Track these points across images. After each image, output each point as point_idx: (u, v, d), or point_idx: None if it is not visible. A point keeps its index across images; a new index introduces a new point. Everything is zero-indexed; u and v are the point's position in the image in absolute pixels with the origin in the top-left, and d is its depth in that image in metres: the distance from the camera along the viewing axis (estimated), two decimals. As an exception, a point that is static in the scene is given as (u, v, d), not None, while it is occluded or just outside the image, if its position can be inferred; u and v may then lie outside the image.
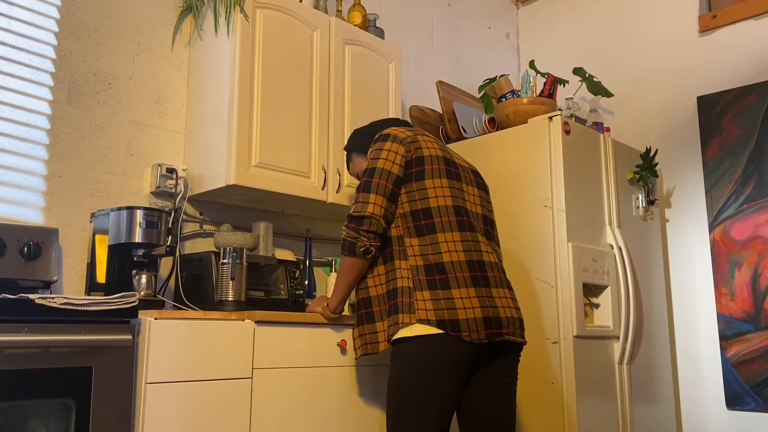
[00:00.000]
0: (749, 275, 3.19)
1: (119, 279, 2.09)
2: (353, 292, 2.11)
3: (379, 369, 2.27)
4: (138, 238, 2.09)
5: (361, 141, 2.21)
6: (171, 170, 2.44)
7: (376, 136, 2.07)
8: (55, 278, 2.04)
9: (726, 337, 3.21)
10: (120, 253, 2.12)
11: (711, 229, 3.32)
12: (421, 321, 1.84)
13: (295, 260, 2.57)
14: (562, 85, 3.32)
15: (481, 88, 3.52)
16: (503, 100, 3.08)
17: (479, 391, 1.96)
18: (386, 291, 1.97)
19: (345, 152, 2.44)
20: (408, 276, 1.92)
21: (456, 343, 1.83)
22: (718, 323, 3.24)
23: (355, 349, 2.02)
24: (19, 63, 2.18)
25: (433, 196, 1.95)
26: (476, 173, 2.17)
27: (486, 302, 1.88)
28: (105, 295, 1.75)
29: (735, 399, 3.16)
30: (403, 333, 1.87)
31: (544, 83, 3.10)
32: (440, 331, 1.83)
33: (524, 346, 2.09)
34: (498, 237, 2.16)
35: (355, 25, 2.86)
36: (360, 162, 2.25)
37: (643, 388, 2.93)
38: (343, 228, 1.97)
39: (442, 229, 1.93)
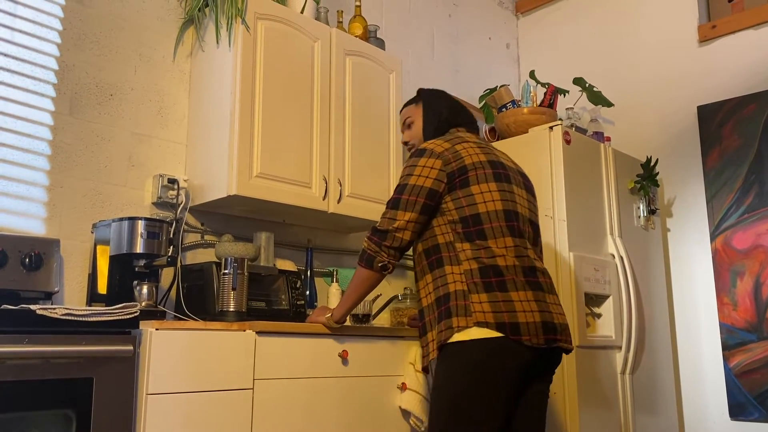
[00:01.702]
0: (751, 285, 3.18)
1: (120, 289, 2.09)
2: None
3: (380, 379, 2.26)
4: (139, 248, 2.09)
5: (429, 101, 2.17)
6: (172, 181, 2.44)
7: (413, 150, 2.01)
8: (56, 289, 2.03)
9: (728, 347, 3.20)
10: (121, 263, 2.12)
11: (712, 238, 3.32)
12: (479, 324, 1.75)
13: (297, 270, 2.57)
14: (562, 95, 3.33)
15: (481, 98, 3.53)
16: (504, 110, 3.09)
17: (533, 398, 1.88)
18: (435, 299, 1.88)
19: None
20: (462, 280, 1.83)
21: (515, 347, 1.75)
22: (721, 333, 3.23)
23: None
24: (22, 74, 2.19)
25: (481, 201, 1.88)
26: (524, 175, 2.08)
27: (543, 307, 1.82)
28: (106, 306, 1.75)
29: (738, 409, 3.14)
30: (458, 337, 1.78)
31: (545, 93, 3.11)
32: (500, 335, 1.75)
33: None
34: (542, 242, 2.07)
35: (356, 36, 2.88)
36: (415, 113, 2.18)
37: (645, 398, 2.92)
38: (365, 239, 1.94)
39: (493, 235, 1.86)
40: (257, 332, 1.97)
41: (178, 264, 2.27)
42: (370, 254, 1.92)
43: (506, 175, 1.96)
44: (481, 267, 1.82)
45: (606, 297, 2.82)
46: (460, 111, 2.15)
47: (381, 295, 2.82)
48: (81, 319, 1.63)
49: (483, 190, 1.89)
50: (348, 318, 2.34)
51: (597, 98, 3.45)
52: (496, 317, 1.75)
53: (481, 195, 1.89)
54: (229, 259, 2.11)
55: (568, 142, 2.78)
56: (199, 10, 2.57)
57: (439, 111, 2.13)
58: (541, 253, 2.05)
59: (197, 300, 2.25)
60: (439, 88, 3.59)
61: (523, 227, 1.93)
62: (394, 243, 1.89)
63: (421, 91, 2.24)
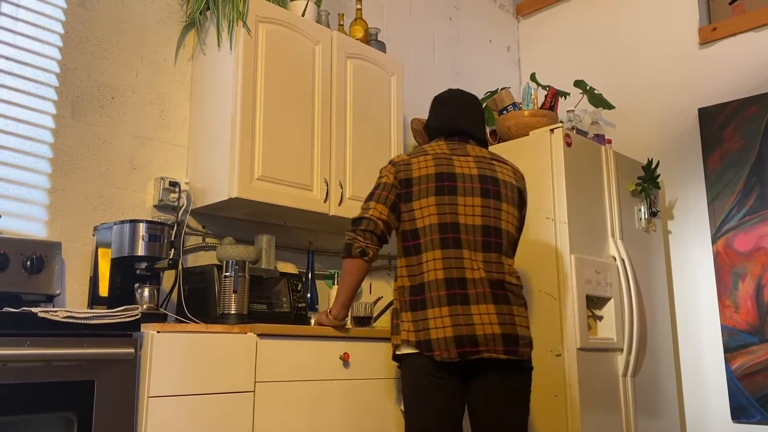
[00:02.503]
0: (753, 287, 3.18)
1: (122, 292, 2.09)
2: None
3: (381, 382, 2.26)
4: (141, 251, 2.09)
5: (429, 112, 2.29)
6: (174, 184, 2.45)
7: None
8: (57, 292, 2.04)
9: (730, 349, 3.19)
10: (123, 266, 2.12)
11: (714, 240, 3.31)
12: (404, 342, 1.95)
13: (298, 273, 2.57)
14: (563, 97, 3.33)
15: (482, 100, 3.53)
16: (504, 112, 3.09)
17: (478, 408, 1.95)
18: (393, 309, 2.07)
19: None
20: (397, 297, 2.01)
21: (431, 362, 1.90)
22: (722, 335, 3.23)
23: None
24: (24, 78, 2.20)
25: (419, 217, 1.98)
26: (488, 180, 2.04)
27: (460, 320, 1.88)
28: (108, 309, 1.75)
29: (740, 412, 3.14)
30: (397, 353, 2.00)
31: (545, 96, 3.11)
32: (418, 351, 1.92)
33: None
34: (507, 246, 2.04)
35: (357, 39, 2.88)
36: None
37: (647, 401, 2.91)
38: (345, 234, 2.05)
39: (426, 248, 1.96)
40: (258, 335, 1.97)
41: (180, 267, 2.27)
42: (348, 242, 2.03)
43: (452, 186, 2.00)
44: (411, 286, 1.97)
45: (607, 299, 2.82)
46: (442, 122, 2.17)
47: (382, 297, 2.82)
48: (82, 321, 1.63)
49: (422, 206, 1.99)
50: (349, 320, 2.37)
51: (598, 101, 3.45)
52: (417, 336, 1.92)
53: (420, 210, 1.98)
54: (231, 261, 2.11)
55: (569, 144, 2.78)
56: (200, 13, 2.57)
57: (426, 126, 2.26)
58: (502, 257, 2.00)
59: (198, 303, 2.25)
60: (440, 90, 3.61)
61: (468, 237, 1.96)
62: (369, 226, 2.00)
63: None
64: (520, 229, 2.14)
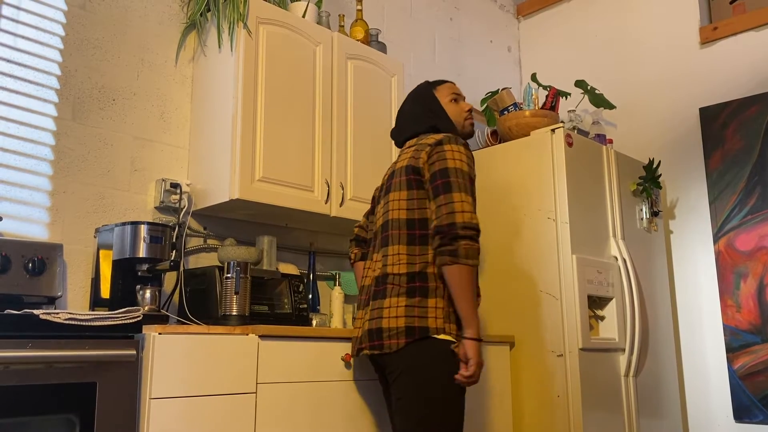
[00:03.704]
0: (755, 286, 3.17)
1: (123, 294, 2.09)
2: None
3: (383, 383, 2.26)
4: (142, 253, 2.09)
5: None
6: (175, 185, 2.45)
7: None
8: (59, 294, 2.04)
9: (732, 349, 3.19)
10: (124, 268, 2.12)
11: (715, 240, 3.31)
12: None
13: (299, 274, 2.57)
14: (564, 97, 3.33)
15: (483, 101, 3.53)
16: (505, 113, 3.09)
17: None
18: None
19: None
20: None
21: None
22: (725, 335, 3.22)
23: None
24: (25, 80, 2.20)
25: (373, 229, 2.16)
26: (390, 176, 2.05)
27: (357, 324, 2.04)
28: (109, 311, 1.75)
29: (743, 411, 3.13)
30: None
31: (546, 96, 3.11)
32: None
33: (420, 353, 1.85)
34: (394, 235, 1.96)
35: (358, 40, 2.88)
36: None
37: (649, 401, 2.91)
38: None
39: (370, 257, 2.12)
40: (260, 336, 1.97)
41: (181, 268, 2.27)
42: None
43: (378, 197, 2.16)
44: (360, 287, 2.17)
45: (609, 299, 2.82)
46: (394, 139, 2.23)
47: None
48: (84, 323, 1.63)
49: (374, 220, 2.16)
50: (349, 320, 2.43)
51: (599, 100, 3.45)
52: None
53: (375, 224, 2.13)
54: (232, 263, 2.11)
55: (570, 144, 2.78)
56: (201, 14, 2.57)
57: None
58: (387, 250, 1.96)
59: (200, 304, 2.25)
60: (441, 91, 3.61)
61: (376, 240, 2.07)
62: (351, 237, 2.30)
63: None
64: (416, 209, 1.94)
